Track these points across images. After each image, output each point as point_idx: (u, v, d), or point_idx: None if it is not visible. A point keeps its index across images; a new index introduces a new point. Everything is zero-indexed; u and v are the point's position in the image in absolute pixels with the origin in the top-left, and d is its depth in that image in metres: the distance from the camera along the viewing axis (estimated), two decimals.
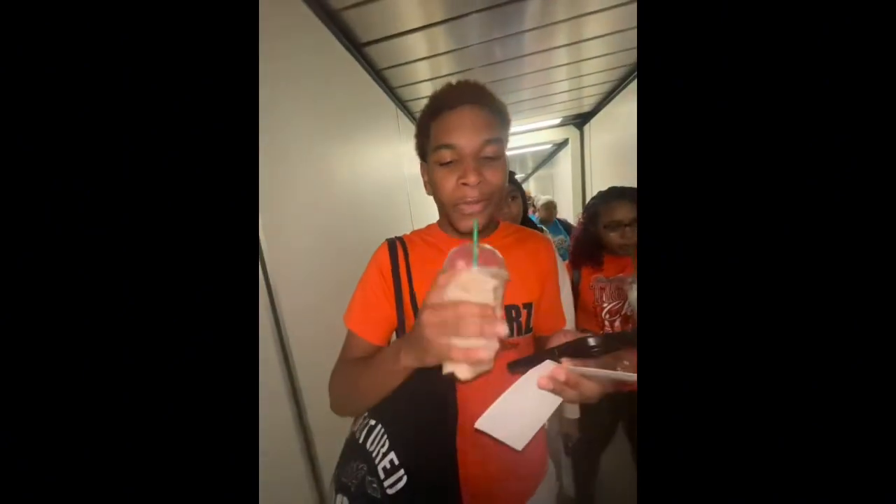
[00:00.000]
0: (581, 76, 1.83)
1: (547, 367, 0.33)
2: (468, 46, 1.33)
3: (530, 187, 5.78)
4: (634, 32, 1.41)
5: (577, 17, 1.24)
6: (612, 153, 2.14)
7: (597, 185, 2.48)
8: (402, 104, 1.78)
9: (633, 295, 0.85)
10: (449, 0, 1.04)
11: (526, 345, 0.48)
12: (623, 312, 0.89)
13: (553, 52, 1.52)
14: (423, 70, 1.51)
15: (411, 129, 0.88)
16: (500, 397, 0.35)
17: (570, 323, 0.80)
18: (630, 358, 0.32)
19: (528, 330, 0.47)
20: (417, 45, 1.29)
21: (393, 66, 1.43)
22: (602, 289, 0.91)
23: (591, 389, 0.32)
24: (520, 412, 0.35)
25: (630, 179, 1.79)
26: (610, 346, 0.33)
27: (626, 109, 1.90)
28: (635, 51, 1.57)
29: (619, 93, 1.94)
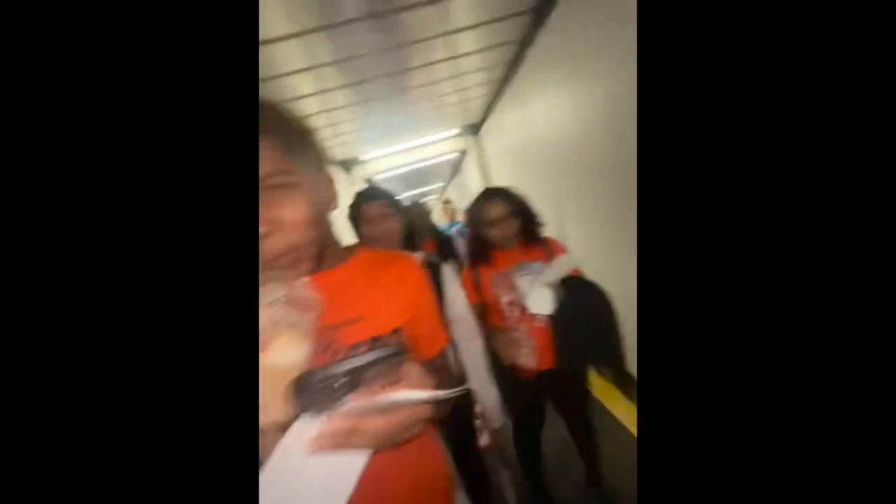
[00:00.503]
0: (466, 88, 2.02)
1: (305, 425, 0.27)
2: (352, 58, 1.32)
3: (449, 195, 6.12)
4: (505, 47, 1.63)
5: (451, 32, 1.36)
6: (506, 156, 2.40)
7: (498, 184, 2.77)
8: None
9: (520, 284, 0.91)
10: (322, 9, 1.02)
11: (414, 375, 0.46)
12: (517, 302, 0.94)
13: (436, 66, 1.64)
14: (305, 83, 1.44)
15: None
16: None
17: (473, 332, 0.80)
18: (402, 373, 0.29)
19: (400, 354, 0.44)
20: (293, 54, 1.22)
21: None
22: (498, 283, 0.97)
23: (381, 426, 0.27)
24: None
25: (527, 177, 2.02)
26: (357, 373, 0.30)
27: (508, 117, 2.16)
28: (506, 66, 1.84)
29: (499, 101, 2.20)
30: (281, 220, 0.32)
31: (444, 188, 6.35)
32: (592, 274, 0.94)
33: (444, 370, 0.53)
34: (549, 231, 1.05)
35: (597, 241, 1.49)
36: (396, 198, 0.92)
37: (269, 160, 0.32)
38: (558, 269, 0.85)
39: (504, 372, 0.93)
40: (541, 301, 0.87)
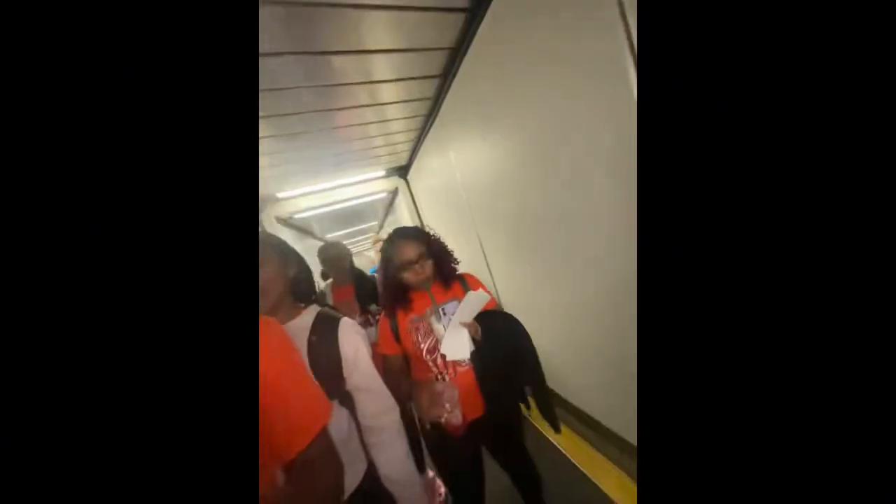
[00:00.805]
0: (392, 134, 2.09)
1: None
2: (274, 90, 1.23)
3: (384, 234, 6.02)
4: (422, 102, 1.77)
5: (373, 82, 1.41)
6: (435, 197, 2.50)
7: (432, 225, 2.83)
8: None
9: (437, 328, 0.85)
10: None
11: None
12: (438, 349, 0.86)
13: (361, 110, 1.66)
14: None
15: None
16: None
17: (383, 403, 0.66)
18: None
19: None
20: None
21: None
22: (416, 328, 0.89)
23: None
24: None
25: (455, 218, 2.08)
26: None
27: (432, 161, 2.28)
28: (424, 118, 1.99)
29: (420, 147, 2.34)
30: None
31: (379, 227, 6.24)
32: (515, 304, 0.95)
33: (324, 460, 0.40)
34: (475, 268, 1.05)
35: (517, 274, 1.59)
36: (275, 243, 0.69)
37: None
38: (469, 306, 0.81)
39: (431, 436, 0.83)
40: (456, 345, 0.82)
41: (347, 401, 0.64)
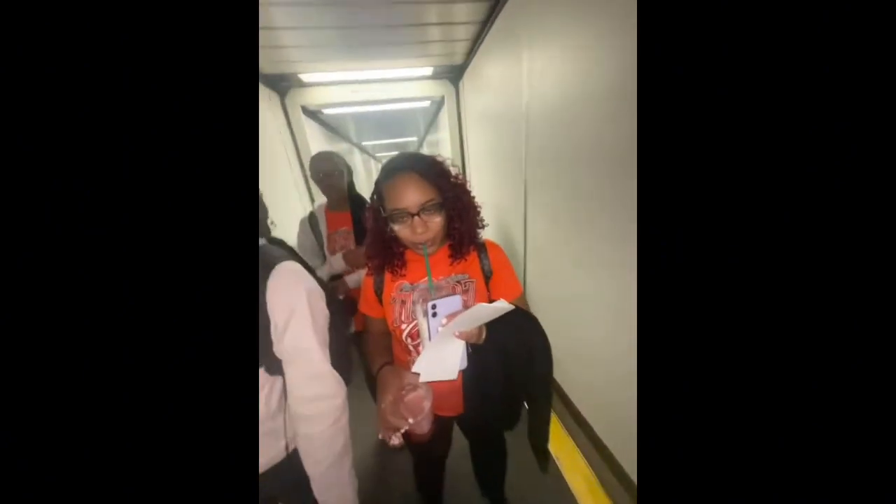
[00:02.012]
0: (452, 23, 1.49)
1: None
2: None
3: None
4: None
5: None
6: (487, 117, 1.95)
7: (474, 154, 2.34)
8: None
9: (421, 324, 0.53)
10: None
11: None
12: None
13: None
14: None
15: None
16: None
17: (319, 377, 0.51)
18: None
19: None
20: None
21: None
22: (402, 302, 0.62)
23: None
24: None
25: (506, 153, 1.39)
26: None
27: (494, 64, 1.68)
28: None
29: (483, 41, 1.70)
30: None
31: (419, 144, 5.66)
32: (557, 299, 0.65)
33: None
34: (507, 234, 0.71)
35: (570, 255, 1.20)
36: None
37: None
38: (476, 318, 0.49)
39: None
40: (441, 363, 0.54)
41: (279, 369, 0.51)
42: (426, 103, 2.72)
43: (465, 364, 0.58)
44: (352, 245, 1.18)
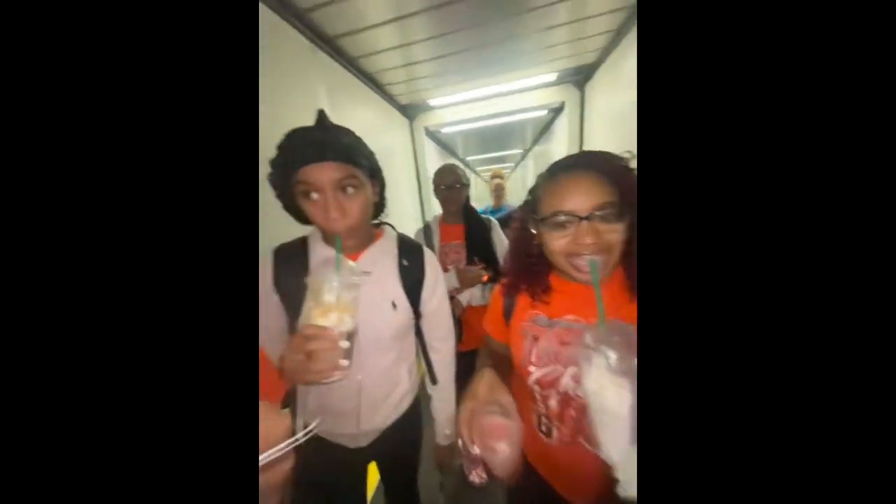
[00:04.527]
0: (584, 19, 1.37)
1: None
2: None
3: (528, 167, 5.30)
4: None
5: None
6: (619, 121, 1.71)
7: None
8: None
9: (589, 375, 0.36)
10: None
11: None
12: (561, 391, 0.47)
13: None
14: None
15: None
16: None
17: (448, 324, 0.70)
18: None
19: None
20: None
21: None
22: (535, 337, 0.49)
23: None
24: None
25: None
26: None
27: (633, 61, 1.45)
28: None
29: (622, 39, 1.48)
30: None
31: (522, 155, 5.55)
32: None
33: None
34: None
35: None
36: (368, 153, 0.56)
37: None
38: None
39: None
40: (611, 397, 0.35)
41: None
42: (542, 112, 2.62)
43: (629, 405, 0.35)
44: (463, 259, 1.15)
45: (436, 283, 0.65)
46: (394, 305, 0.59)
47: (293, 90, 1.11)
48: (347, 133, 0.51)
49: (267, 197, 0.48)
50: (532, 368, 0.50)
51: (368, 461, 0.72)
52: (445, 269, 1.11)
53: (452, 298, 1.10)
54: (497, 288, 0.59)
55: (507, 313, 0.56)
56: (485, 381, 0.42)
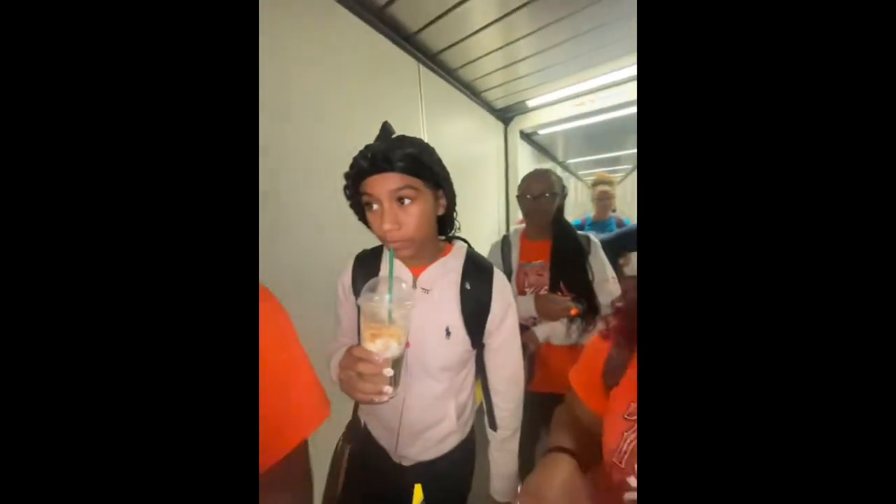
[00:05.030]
0: None
1: None
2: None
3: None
4: None
5: None
6: None
7: None
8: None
9: None
10: None
11: None
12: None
13: None
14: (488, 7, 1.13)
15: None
16: None
17: (517, 364, 0.59)
18: None
19: None
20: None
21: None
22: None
23: None
24: None
25: None
26: None
27: None
28: None
29: None
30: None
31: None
32: None
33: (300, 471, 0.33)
34: None
35: None
36: (437, 159, 0.52)
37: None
38: None
39: None
40: None
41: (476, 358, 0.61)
42: None
43: None
44: (545, 283, 0.90)
45: (505, 314, 0.55)
46: (447, 333, 0.53)
47: (398, 105, 1.27)
48: (413, 144, 0.48)
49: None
50: (632, 481, 0.34)
51: (411, 482, 0.64)
52: (521, 292, 0.93)
53: (526, 329, 0.88)
54: (597, 338, 0.43)
55: (611, 377, 0.40)
56: (559, 477, 0.33)
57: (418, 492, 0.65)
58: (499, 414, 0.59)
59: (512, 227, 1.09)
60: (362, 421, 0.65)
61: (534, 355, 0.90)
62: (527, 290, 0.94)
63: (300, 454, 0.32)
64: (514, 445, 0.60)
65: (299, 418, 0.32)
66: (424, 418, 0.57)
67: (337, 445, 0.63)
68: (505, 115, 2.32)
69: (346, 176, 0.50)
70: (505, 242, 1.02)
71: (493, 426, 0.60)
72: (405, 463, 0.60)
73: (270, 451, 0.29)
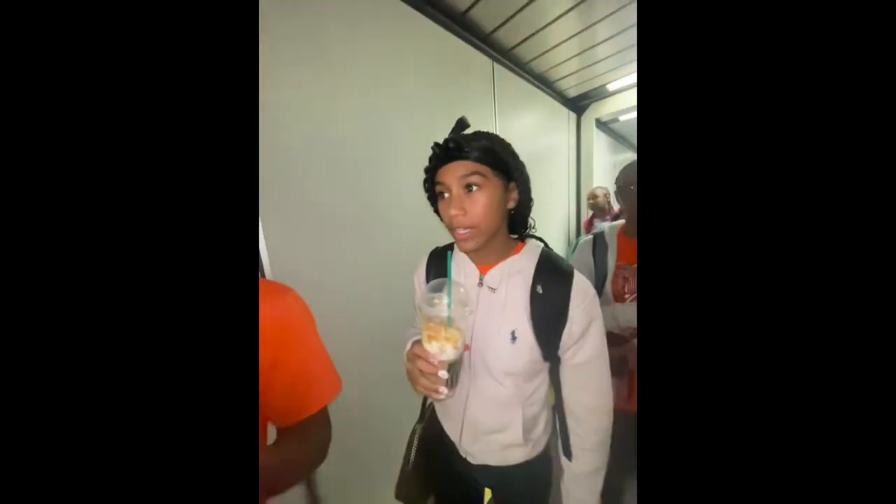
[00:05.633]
0: None
1: None
2: None
3: None
4: None
5: None
6: None
7: None
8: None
9: None
10: None
11: None
12: None
13: None
14: None
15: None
16: None
17: (604, 391, 0.49)
18: None
19: None
20: None
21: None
22: None
23: None
24: None
25: None
26: None
27: None
28: None
29: None
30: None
31: None
32: None
33: (320, 428, 0.42)
34: None
35: None
36: (511, 150, 0.51)
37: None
38: None
39: None
40: None
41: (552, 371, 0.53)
42: None
43: None
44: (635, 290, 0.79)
45: (586, 328, 0.47)
46: (513, 337, 0.48)
47: (472, 107, 1.33)
48: (487, 136, 0.47)
49: None
50: None
51: (480, 482, 0.61)
52: (620, 299, 0.79)
53: (624, 342, 0.77)
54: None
55: None
56: None
57: (488, 495, 0.64)
58: (575, 442, 0.51)
59: (607, 225, 0.91)
60: (433, 406, 0.65)
61: (631, 372, 0.78)
62: (626, 296, 0.79)
63: (321, 416, 0.42)
64: (596, 485, 0.51)
65: (320, 389, 0.41)
66: (486, 421, 0.52)
67: (415, 425, 0.66)
68: (578, 104, 2.18)
69: (426, 170, 0.50)
70: (598, 241, 0.87)
71: (568, 454, 0.52)
72: (471, 460, 0.57)
73: (296, 411, 0.39)
